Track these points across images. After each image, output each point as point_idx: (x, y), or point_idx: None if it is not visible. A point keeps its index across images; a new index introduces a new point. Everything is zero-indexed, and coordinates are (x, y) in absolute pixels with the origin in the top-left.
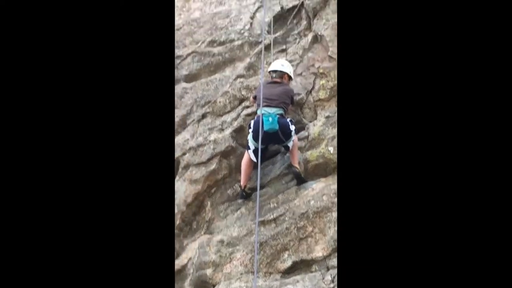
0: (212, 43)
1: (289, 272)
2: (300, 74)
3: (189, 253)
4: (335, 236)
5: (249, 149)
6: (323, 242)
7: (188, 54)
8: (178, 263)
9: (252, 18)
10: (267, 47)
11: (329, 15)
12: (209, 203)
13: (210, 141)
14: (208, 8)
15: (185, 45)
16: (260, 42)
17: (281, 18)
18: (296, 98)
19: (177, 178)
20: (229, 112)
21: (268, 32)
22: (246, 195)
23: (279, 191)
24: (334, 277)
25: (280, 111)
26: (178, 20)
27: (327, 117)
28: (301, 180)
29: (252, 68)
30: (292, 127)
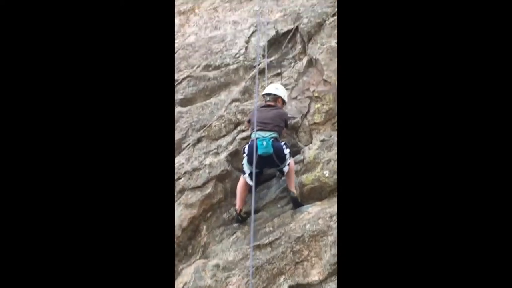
0: (207, 67)
1: None
2: (295, 98)
3: (185, 278)
4: (331, 260)
5: (245, 173)
6: (319, 266)
7: (184, 78)
8: None
9: (247, 42)
10: (262, 71)
11: (323, 39)
12: (204, 227)
13: (205, 165)
14: (203, 32)
15: (180, 69)
16: (255, 66)
17: (276, 42)
18: (292, 122)
19: None
20: (224, 136)
21: (263, 56)
22: (242, 219)
23: (275, 215)
24: None
25: (274, 135)
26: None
27: (323, 140)
28: (298, 204)
29: (247, 92)
30: (287, 151)
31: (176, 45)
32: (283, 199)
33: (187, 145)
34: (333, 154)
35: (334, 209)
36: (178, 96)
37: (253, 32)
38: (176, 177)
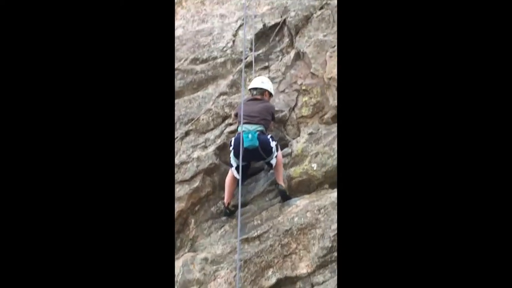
0: (194, 60)
1: None
2: (283, 91)
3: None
4: (320, 253)
5: (232, 166)
6: (307, 259)
7: None
8: None
9: (234, 35)
10: (249, 65)
11: (311, 32)
12: (192, 220)
13: (193, 158)
14: (190, 26)
15: None
16: (243, 60)
17: (264, 35)
18: (279, 115)
19: None
20: (212, 129)
21: (251, 50)
22: (230, 212)
23: (263, 208)
24: None
25: (261, 128)
26: None
27: (310, 133)
28: (286, 197)
29: (235, 86)
30: (273, 144)
31: None
32: (271, 192)
33: (175, 139)
34: (321, 147)
35: (322, 202)
36: None
37: (241, 25)
38: None
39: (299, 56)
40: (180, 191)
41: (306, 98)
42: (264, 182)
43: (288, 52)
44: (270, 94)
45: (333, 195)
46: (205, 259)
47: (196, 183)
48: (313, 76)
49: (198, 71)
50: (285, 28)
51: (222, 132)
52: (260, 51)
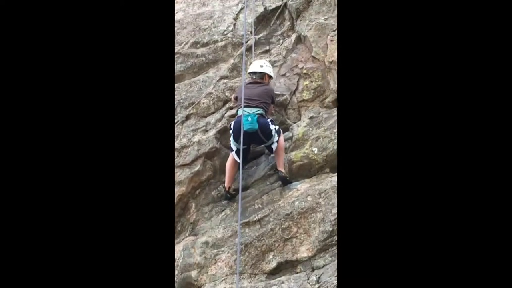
0: (195, 44)
1: (274, 273)
2: (284, 75)
3: (174, 255)
4: (320, 237)
5: (232, 150)
6: (308, 243)
7: None
8: None
9: (235, 19)
10: (250, 48)
11: (312, 15)
12: (193, 204)
13: (194, 142)
14: (191, 9)
15: None
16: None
17: (264, 19)
18: (280, 99)
19: None
20: (213, 113)
21: (251, 33)
22: (231, 196)
23: (264, 192)
24: (319, 277)
25: (260, 111)
26: None
27: (311, 117)
28: (287, 183)
29: (235, 69)
30: (273, 127)
31: None
32: (272, 176)
33: (176, 123)
34: (321, 131)
35: (323, 186)
36: None
37: (241, 8)
38: None
39: (300, 39)
40: (181, 175)
41: (307, 82)
42: (265, 166)
43: (289, 36)
44: (270, 77)
45: (333, 179)
46: (206, 243)
47: (197, 167)
48: (314, 59)
49: (198, 54)
50: (286, 12)
51: (223, 116)
52: (261, 35)
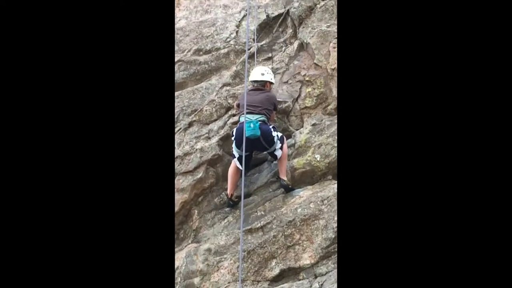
0: (198, 51)
1: (276, 280)
2: (286, 82)
3: (177, 262)
4: (323, 244)
5: (235, 157)
6: (310, 250)
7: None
8: None
9: (237, 26)
10: (253, 56)
11: (314, 23)
12: (196, 211)
13: (196, 149)
14: (193, 16)
15: None
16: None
17: (267, 26)
18: (283, 106)
19: None
20: (215, 120)
21: (254, 40)
22: (233, 203)
23: (266, 199)
24: (321, 284)
25: (262, 118)
26: None
27: (314, 124)
28: (289, 190)
29: (238, 77)
30: (275, 134)
31: None
32: (275, 183)
33: (178, 130)
34: (324, 138)
35: (325, 193)
36: None
37: (244, 16)
38: None
39: (302, 47)
40: (184, 182)
41: (309, 89)
42: (268, 173)
43: (291, 43)
44: (271, 84)
45: (336, 186)
46: (209, 250)
47: (200, 174)
48: (317, 67)
49: (201, 62)
50: (289, 19)
51: (225, 123)
52: (264, 42)
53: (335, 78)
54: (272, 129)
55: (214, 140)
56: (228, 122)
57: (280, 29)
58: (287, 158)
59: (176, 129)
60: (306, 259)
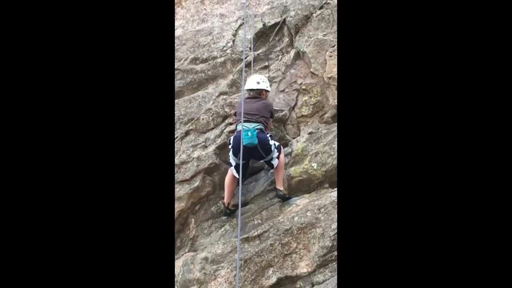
0: (194, 60)
1: None
2: (283, 91)
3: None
4: (320, 252)
5: (231, 165)
6: (307, 258)
7: None
8: None
9: (234, 35)
10: (249, 64)
11: (311, 31)
12: (193, 220)
13: (193, 158)
14: (190, 25)
15: None
16: (243, 59)
17: (263, 35)
18: (279, 114)
19: None
20: (212, 129)
21: (250, 49)
22: (230, 212)
23: (263, 207)
24: None
25: (260, 126)
26: None
27: (310, 133)
28: (286, 199)
29: (234, 85)
30: (272, 142)
31: None
32: (272, 191)
33: (175, 139)
34: (321, 146)
35: (322, 201)
36: None
37: (240, 25)
38: None
39: (299, 55)
40: (180, 190)
41: (306, 98)
42: (264, 181)
43: (288, 52)
44: (267, 91)
45: (333, 194)
46: (205, 258)
47: (196, 183)
48: (313, 75)
49: (198, 70)
50: (285, 28)
51: (222, 132)
52: (260, 51)
53: (332, 87)
54: (269, 138)
55: (211, 148)
56: (225, 130)
57: (277, 38)
58: (284, 167)
59: None
60: (303, 268)
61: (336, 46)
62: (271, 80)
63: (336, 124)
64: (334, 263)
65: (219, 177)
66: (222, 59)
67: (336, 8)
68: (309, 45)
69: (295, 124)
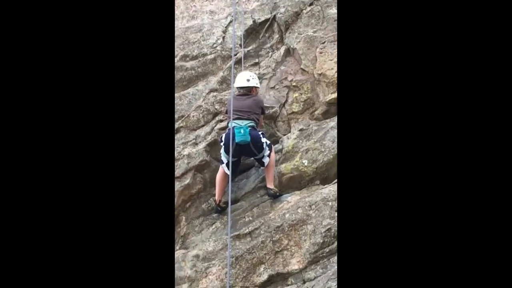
0: (184, 57)
1: (265, 285)
2: (273, 88)
3: None
4: (311, 249)
5: (223, 163)
6: (298, 255)
7: None
8: None
9: (224, 32)
10: (239, 61)
11: (301, 28)
12: (184, 218)
13: (184, 155)
14: (180, 22)
15: None
16: (233, 56)
17: (253, 31)
18: (270, 111)
19: None
20: (202, 126)
21: (240, 46)
22: (221, 209)
23: (254, 204)
24: None
25: (252, 123)
26: None
27: (301, 130)
28: (277, 197)
29: (225, 82)
30: (264, 140)
31: None
32: (262, 188)
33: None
34: (311, 143)
35: (313, 198)
36: None
37: (230, 21)
38: None
39: (289, 52)
40: None
41: (296, 94)
42: (255, 178)
43: (278, 48)
44: (257, 88)
45: (324, 191)
46: (197, 256)
47: (187, 180)
48: (303, 72)
49: (188, 67)
50: (275, 24)
51: (212, 129)
52: (250, 48)
53: (322, 83)
54: (261, 135)
55: (202, 146)
56: (216, 128)
57: (267, 35)
58: (274, 165)
59: None
60: (294, 264)
61: (326, 42)
62: (261, 76)
63: (326, 120)
64: (325, 260)
65: (210, 175)
66: (212, 56)
67: (326, 5)
68: (299, 41)
69: (285, 121)
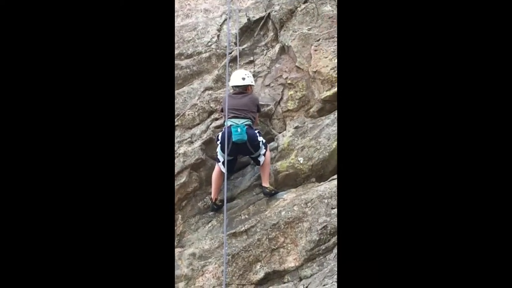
0: (179, 56)
1: (261, 283)
2: (268, 85)
3: None
4: (307, 246)
5: (219, 161)
6: (295, 253)
7: None
8: None
9: (219, 30)
10: (234, 59)
11: (295, 26)
12: (180, 216)
13: (179, 154)
14: (175, 21)
15: None
16: (228, 54)
17: (248, 29)
18: (265, 109)
19: None
20: (198, 124)
21: (235, 44)
22: (217, 207)
23: (250, 202)
24: (306, 287)
25: (248, 122)
26: None
27: (296, 127)
28: (273, 195)
29: (220, 80)
30: (260, 138)
31: None
32: (258, 186)
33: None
34: (307, 140)
35: (309, 195)
36: None
37: (225, 20)
38: None
39: (284, 50)
40: None
41: (291, 92)
42: (251, 176)
43: (273, 46)
44: (252, 86)
45: (319, 188)
46: (193, 254)
47: (183, 179)
48: (298, 69)
49: (183, 66)
50: (270, 22)
51: (208, 127)
52: (245, 46)
53: (317, 81)
54: (257, 134)
55: (197, 144)
56: (211, 126)
57: (262, 33)
58: (269, 164)
59: None
60: (290, 262)
61: (321, 40)
62: (256, 74)
63: (321, 118)
64: (322, 257)
65: (206, 173)
66: (207, 54)
67: (320, 2)
68: (294, 39)
69: (281, 118)
